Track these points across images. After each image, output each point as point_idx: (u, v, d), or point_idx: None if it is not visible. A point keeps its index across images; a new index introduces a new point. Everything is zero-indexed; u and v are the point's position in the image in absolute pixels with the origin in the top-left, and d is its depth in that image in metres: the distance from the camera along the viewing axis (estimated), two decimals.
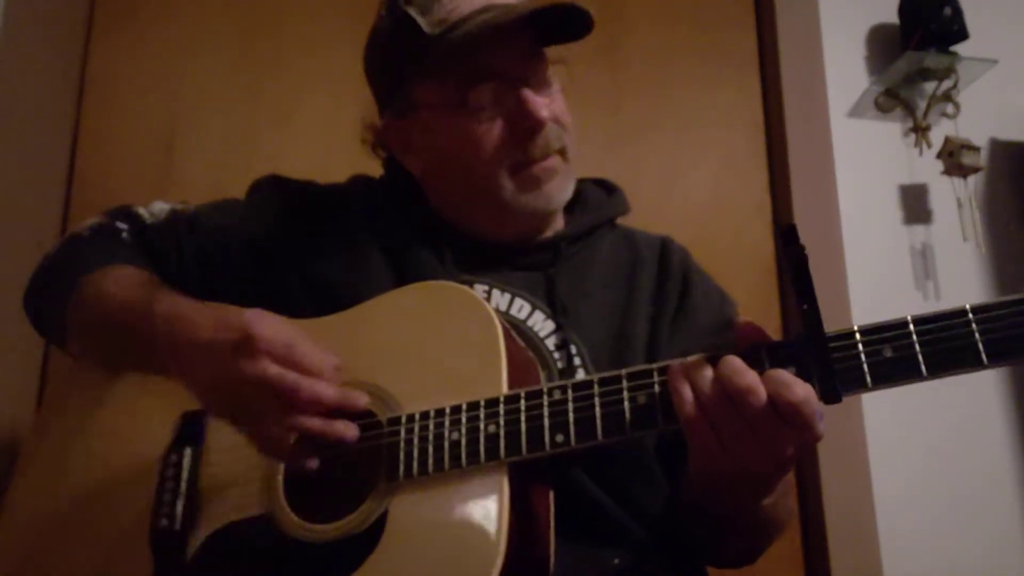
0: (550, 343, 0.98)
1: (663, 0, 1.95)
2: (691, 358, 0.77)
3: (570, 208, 1.12)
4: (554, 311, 1.00)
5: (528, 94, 0.99)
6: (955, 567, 1.64)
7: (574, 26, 1.00)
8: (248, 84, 1.78)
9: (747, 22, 1.99)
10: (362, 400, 0.83)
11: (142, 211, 1.09)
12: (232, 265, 1.05)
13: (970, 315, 0.71)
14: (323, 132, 1.77)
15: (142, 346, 0.90)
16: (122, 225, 1.06)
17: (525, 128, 0.99)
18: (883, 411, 1.68)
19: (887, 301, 1.78)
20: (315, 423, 0.80)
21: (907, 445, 1.69)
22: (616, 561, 0.88)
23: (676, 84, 1.91)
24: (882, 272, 1.81)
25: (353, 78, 1.83)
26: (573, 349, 0.97)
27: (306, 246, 1.05)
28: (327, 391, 0.80)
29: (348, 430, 0.82)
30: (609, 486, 0.91)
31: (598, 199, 1.15)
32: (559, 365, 0.96)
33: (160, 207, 1.10)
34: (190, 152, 1.73)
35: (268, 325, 0.81)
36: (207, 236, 1.06)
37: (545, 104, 1.00)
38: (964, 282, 1.83)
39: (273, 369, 0.78)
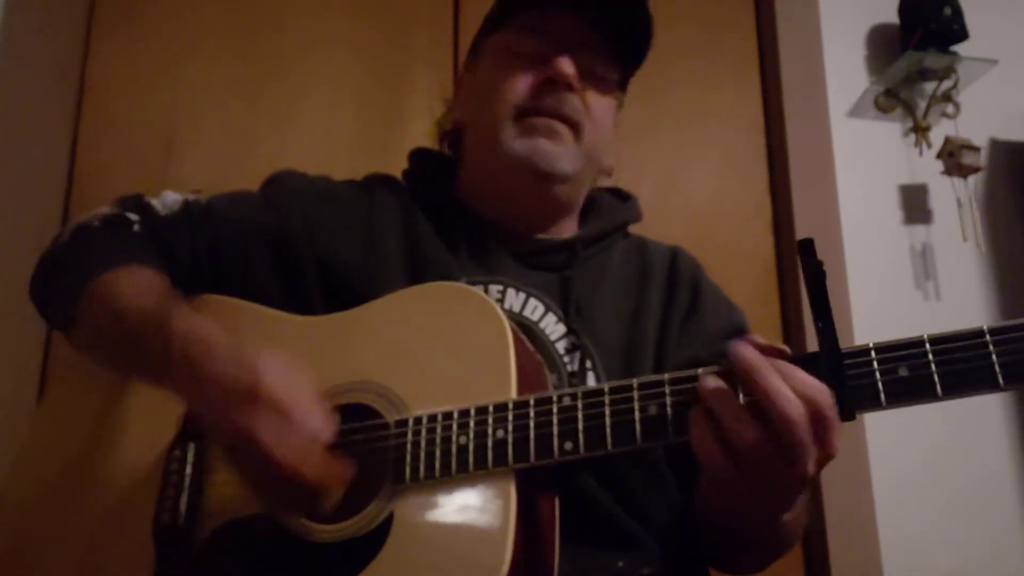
0: (561, 346, 0.97)
1: (663, 0, 1.95)
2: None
3: (585, 214, 1.12)
4: (567, 314, 0.99)
5: (565, 55, 1.00)
6: (955, 567, 1.65)
7: (638, 31, 1.05)
8: (248, 84, 1.78)
9: (747, 22, 1.99)
10: (347, 473, 0.82)
11: (154, 202, 1.06)
12: (246, 257, 1.03)
13: (987, 336, 0.70)
14: (323, 132, 1.77)
15: (151, 358, 0.88)
16: (133, 216, 1.03)
17: (546, 78, 1.00)
18: (883, 411, 1.68)
19: (887, 301, 1.79)
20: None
21: (907, 445, 1.69)
22: (620, 564, 0.87)
23: (676, 84, 1.91)
24: (882, 272, 1.81)
25: (353, 78, 1.86)
26: (584, 353, 0.96)
27: (323, 238, 1.03)
28: (309, 472, 0.78)
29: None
30: (615, 489, 0.90)
31: (612, 206, 1.15)
32: (569, 369, 0.95)
33: (173, 198, 1.07)
34: (190, 152, 1.72)
35: (276, 376, 0.79)
36: (222, 227, 1.04)
37: (577, 77, 1.00)
38: (964, 282, 1.84)
39: (265, 433, 0.77)
